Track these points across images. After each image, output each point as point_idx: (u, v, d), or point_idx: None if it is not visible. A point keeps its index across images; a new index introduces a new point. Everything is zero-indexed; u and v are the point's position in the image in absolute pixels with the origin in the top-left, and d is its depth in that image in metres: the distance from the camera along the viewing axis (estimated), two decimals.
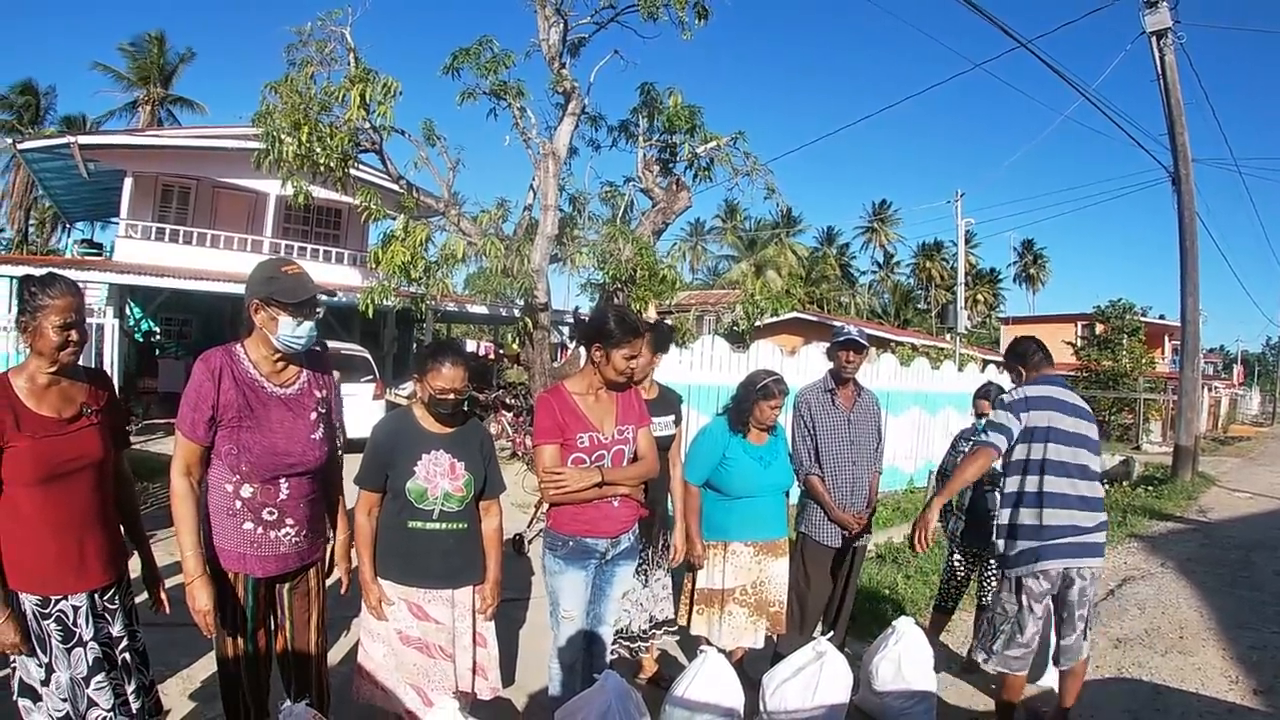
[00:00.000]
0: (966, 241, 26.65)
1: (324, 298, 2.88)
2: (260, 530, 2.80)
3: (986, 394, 4.78)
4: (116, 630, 2.74)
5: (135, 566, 2.96)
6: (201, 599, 2.71)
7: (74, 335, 2.54)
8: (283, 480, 2.82)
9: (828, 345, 4.42)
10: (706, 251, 56.63)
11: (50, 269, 2.84)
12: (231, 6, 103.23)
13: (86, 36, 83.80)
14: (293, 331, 2.79)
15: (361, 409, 11.33)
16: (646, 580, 4.15)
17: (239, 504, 2.78)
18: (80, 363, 2.72)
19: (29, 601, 2.56)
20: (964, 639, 5.25)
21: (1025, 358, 3.91)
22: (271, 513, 2.81)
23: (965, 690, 4.55)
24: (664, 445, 3.97)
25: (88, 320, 7.33)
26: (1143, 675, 4.86)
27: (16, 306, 2.58)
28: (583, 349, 3.39)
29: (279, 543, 2.84)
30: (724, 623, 4.13)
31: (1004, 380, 12.31)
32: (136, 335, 18.87)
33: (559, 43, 11.44)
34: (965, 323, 23.57)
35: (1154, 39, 13.30)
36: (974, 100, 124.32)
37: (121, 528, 2.87)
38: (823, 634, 3.82)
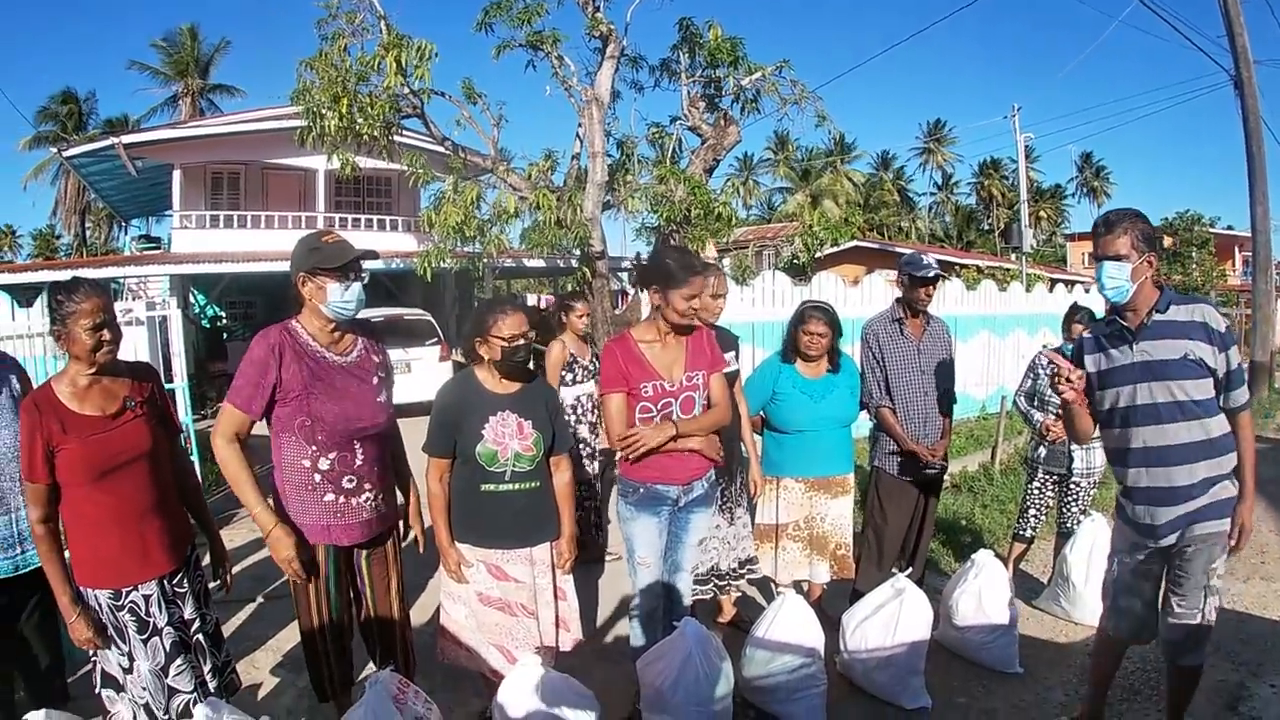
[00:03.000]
0: (1026, 157, 25.74)
1: (371, 264, 2.89)
2: (342, 499, 2.86)
3: (1082, 316, 4.59)
4: (188, 613, 2.83)
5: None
6: (283, 548, 2.76)
7: (106, 335, 2.59)
8: (356, 445, 2.87)
9: (901, 276, 4.26)
10: (759, 186, 55.68)
11: (75, 274, 2.88)
12: None
13: (120, 40, 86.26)
14: (341, 297, 2.82)
15: (428, 372, 11.48)
16: (732, 519, 4.14)
17: (319, 477, 2.82)
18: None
19: (102, 596, 2.65)
20: (1044, 568, 5.15)
21: None
22: (351, 480, 2.86)
23: (1046, 622, 4.47)
24: (728, 381, 3.92)
25: (154, 313, 7.53)
26: (1224, 603, 4.71)
27: (48, 317, 2.63)
28: (644, 294, 3.34)
29: (361, 509, 2.90)
30: (779, 557, 4.15)
31: (1088, 301, 11.94)
32: (203, 322, 19.38)
33: None
34: (1030, 241, 22.90)
35: None
36: (1025, 9, 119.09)
37: (188, 513, 2.97)
38: (901, 570, 3.77)
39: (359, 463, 2.88)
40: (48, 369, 6.81)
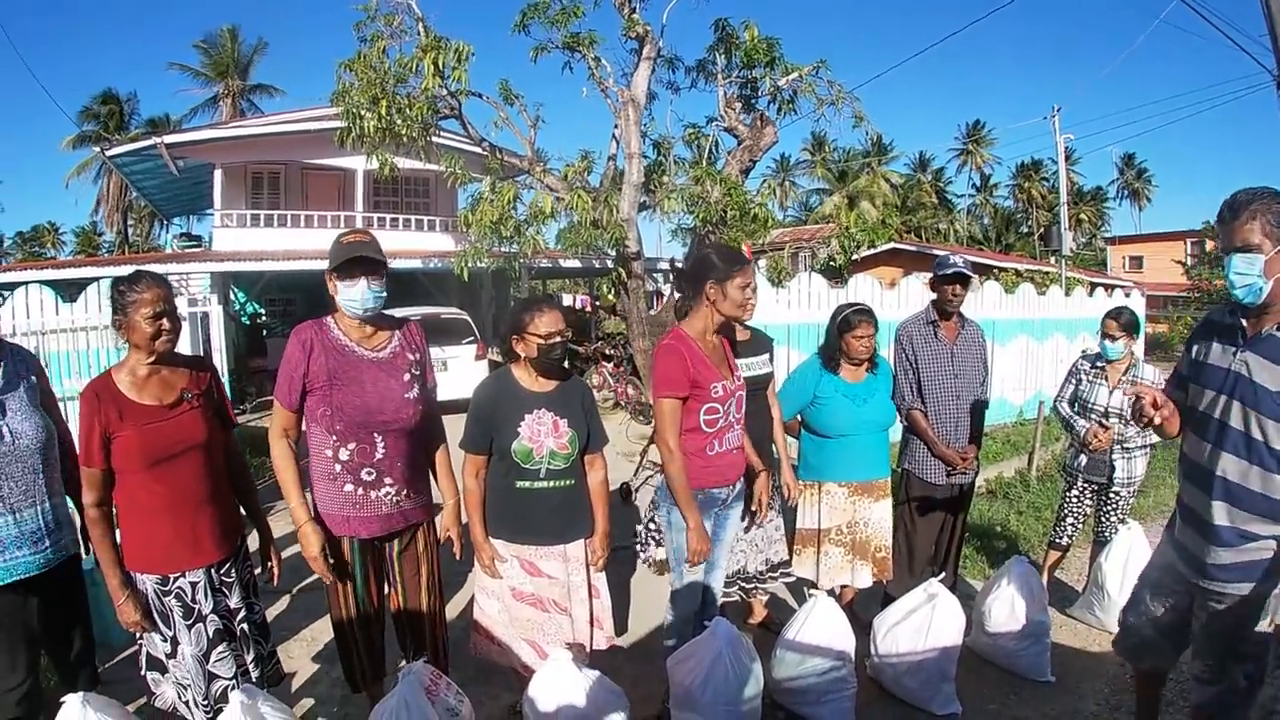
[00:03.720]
0: (1066, 159, 25.37)
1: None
2: (361, 491, 2.90)
3: (1118, 315, 4.52)
4: (234, 602, 2.90)
5: (254, 540, 3.12)
6: (311, 545, 2.85)
7: (165, 324, 2.69)
8: (378, 438, 2.90)
9: (931, 277, 4.23)
10: (796, 187, 55.43)
11: (138, 267, 2.97)
12: None
13: (160, 42, 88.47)
14: (348, 294, 2.88)
15: (464, 370, 11.58)
16: (761, 521, 4.10)
17: (339, 467, 2.88)
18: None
19: (149, 581, 2.74)
20: (1079, 576, 5.09)
21: None
22: (370, 473, 2.90)
23: (1080, 630, 4.42)
24: (763, 383, 3.92)
25: (195, 309, 7.69)
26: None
27: (110, 308, 2.73)
28: (679, 296, 3.34)
29: (380, 503, 2.93)
30: (821, 563, 4.09)
31: (1132, 303, 11.66)
32: (243, 319, 19.69)
33: None
34: (1070, 245, 22.54)
35: None
36: (1065, 9, 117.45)
37: (238, 504, 3.04)
38: (933, 575, 3.74)
39: (379, 456, 2.91)
40: (90, 362, 7.01)
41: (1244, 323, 2.47)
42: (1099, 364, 4.59)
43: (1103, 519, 4.64)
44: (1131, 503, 4.68)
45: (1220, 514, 2.45)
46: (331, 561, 2.91)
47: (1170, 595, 2.74)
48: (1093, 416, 4.48)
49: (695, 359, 3.14)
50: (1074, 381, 4.70)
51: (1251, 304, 2.41)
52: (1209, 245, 26.94)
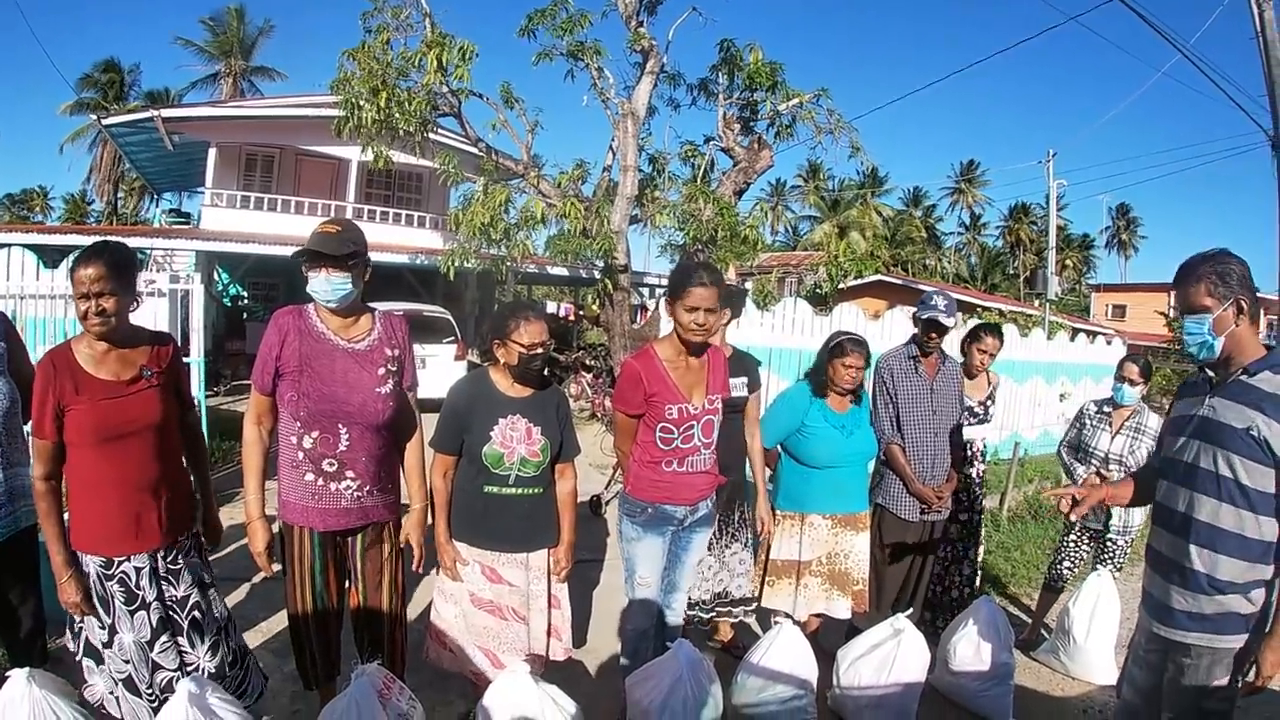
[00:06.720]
0: (1057, 205, 25.59)
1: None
2: (321, 482, 2.84)
3: (1137, 360, 4.54)
4: (180, 592, 2.82)
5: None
6: (258, 541, 2.85)
7: (94, 305, 2.58)
8: (342, 429, 2.83)
9: (914, 313, 4.20)
10: (788, 212, 55.78)
11: (107, 238, 2.89)
12: None
13: (167, 15, 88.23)
14: (313, 285, 2.82)
15: (443, 370, 11.52)
16: (723, 555, 4.03)
17: (301, 455, 2.83)
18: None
19: (93, 563, 2.66)
20: (1048, 618, 5.06)
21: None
22: (331, 464, 2.84)
23: (1043, 674, 4.40)
24: (738, 406, 3.80)
25: (176, 286, 7.55)
26: None
27: None
28: (663, 313, 3.33)
29: (340, 496, 2.87)
30: (799, 594, 3.99)
31: (1113, 350, 11.60)
32: (225, 300, 19.52)
33: (635, 1, 11.28)
34: (1055, 289, 22.73)
35: None
36: (1066, 56, 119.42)
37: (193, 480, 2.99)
38: (901, 610, 3.70)
39: (343, 448, 2.85)
40: (66, 331, 6.91)
41: (1211, 375, 2.57)
42: (1105, 409, 4.61)
43: (1100, 569, 4.62)
44: (1128, 552, 4.68)
45: (1195, 557, 2.43)
46: (278, 567, 2.91)
47: (1147, 656, 2.67)
48: (1092, 461, 4.48)
49: (654, 378, 3.14)
50: (1077, 426, 4.71)
51: (1208, 359, 2.51)
52: None
